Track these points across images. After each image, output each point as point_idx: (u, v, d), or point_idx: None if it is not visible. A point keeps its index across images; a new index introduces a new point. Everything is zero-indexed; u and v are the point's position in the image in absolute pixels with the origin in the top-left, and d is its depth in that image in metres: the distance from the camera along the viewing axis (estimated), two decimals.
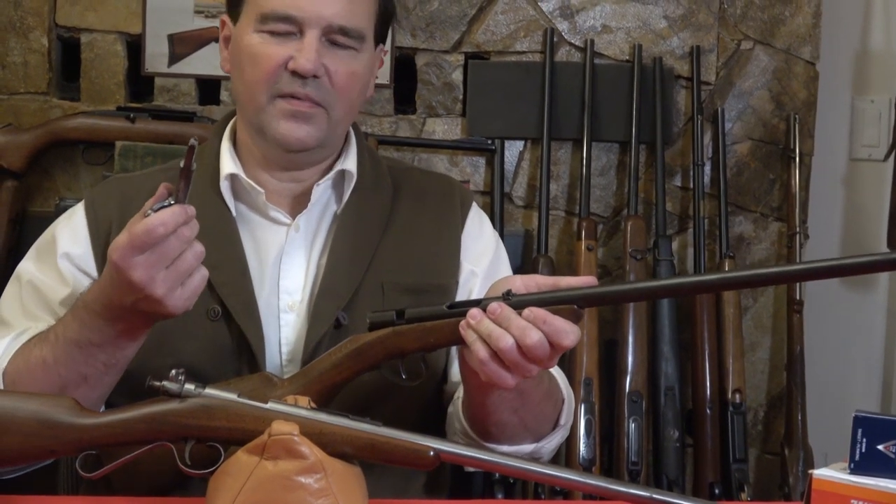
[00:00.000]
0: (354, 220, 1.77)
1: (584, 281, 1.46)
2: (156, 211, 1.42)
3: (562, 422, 1.70)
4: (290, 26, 1.69)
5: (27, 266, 1.78)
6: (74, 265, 1.75)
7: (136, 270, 1.43)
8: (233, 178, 1.77)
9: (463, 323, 1.43)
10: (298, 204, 1.78)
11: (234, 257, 1.72)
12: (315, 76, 1.69)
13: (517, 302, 1.42)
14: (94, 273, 1.74)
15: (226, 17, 1.81)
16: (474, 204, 1.90)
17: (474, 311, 1.43)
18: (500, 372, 1.42)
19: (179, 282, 1.46)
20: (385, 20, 1.82)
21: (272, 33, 1.70)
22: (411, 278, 1.74)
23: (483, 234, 1.87)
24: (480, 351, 1.41)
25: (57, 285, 1.73)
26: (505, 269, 1.88)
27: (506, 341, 1.39)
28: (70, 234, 1.78)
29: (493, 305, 1.42)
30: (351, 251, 1.74)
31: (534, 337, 1.39)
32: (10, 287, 1.79)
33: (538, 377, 1.54)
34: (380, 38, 1.82)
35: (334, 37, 1.71)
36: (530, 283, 1.47)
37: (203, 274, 1.48)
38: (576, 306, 1.42)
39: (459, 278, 1.79)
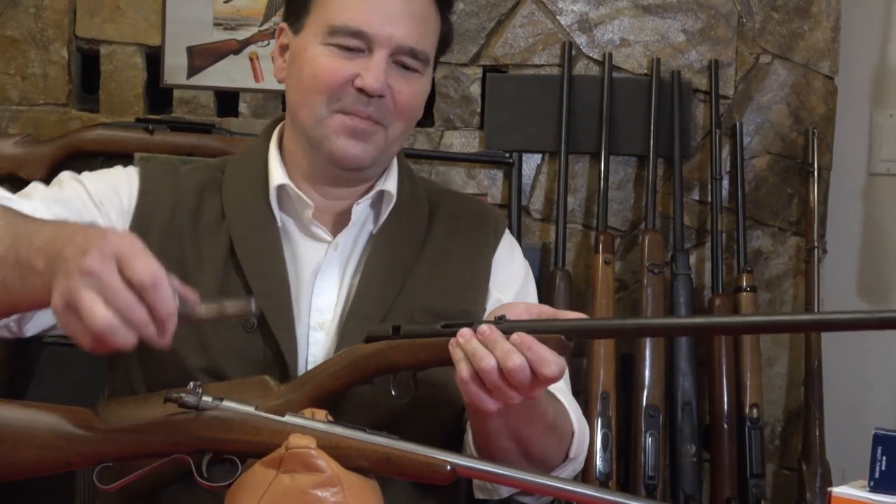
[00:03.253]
0: (389, 242, 1.75)
1: (579, 315, 1.47)
2: (176, 296, 1.32)
3: (571, 455, 1.68)
4: (359, 42, 1.67)
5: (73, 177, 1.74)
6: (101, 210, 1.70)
7: (97, 256, 1.27)
8: (280, 188, 1.74)
9: (452, 341, 1.44)
10: (337, 222, 1.77)
11: (276, 270, 1.70)
12: (380, 96, 1.67)
13: (508, 327, 1.43)
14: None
15: (284, 25, 1.79)
16: (507, 231, 1.89)
17: (464, 331, 1.43)
18: (480, 394, 1.42)
19: (103, 298, 1.27)
20: (443, 47, 1.81)
21: (340, 47, 1.68)
22: (440, 304, 1.72)
23: (513, 262, 1.86)
24: (463, 370, 1.42)
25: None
26: (532, 299, 1.86)
27: (487, 362, 1.39)
28: (113, 193, 1.72)
29: (483, 327, 1.42)
30: (383, 274, 1.73)
31: (516, 361, 1.39)
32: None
33: (541, 408, 1.55)
34: (435, 63, 1.82)
35: (402, 58, 1.70)
36: (533, 311, 1.49)
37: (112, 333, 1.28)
38: (563, 337, 1.42)
39: (487, 305, 1.77)
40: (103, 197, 1.71)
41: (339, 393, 1.54)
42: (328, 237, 1.75)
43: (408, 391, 1.53)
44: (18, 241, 1.40)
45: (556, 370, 1.40)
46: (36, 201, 1.63)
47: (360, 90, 1.67)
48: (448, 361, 1.45)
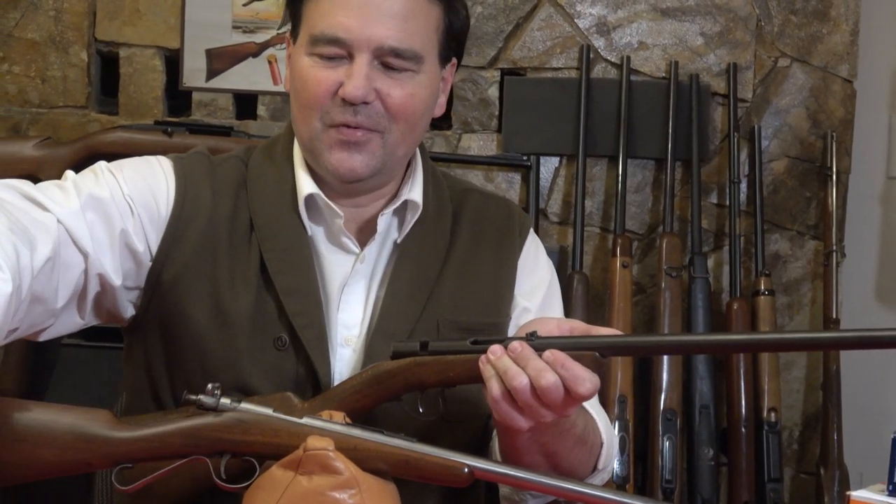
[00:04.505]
0: (415, 252, 1.69)
1: (614, 332, 1.44)
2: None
3: (600, 466, 1.64)
4: (339, 49, 1.61)
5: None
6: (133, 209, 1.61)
7: None
8: (308, 198, 1.67)
9: (482, 358, 1.40)
10: (363, 232, 1.71)
11: (310, 286, 1.64)
12: (365, 102, 1.60)
13: (540, 344, 1.39)
14: (153, 241, 1.61)
15: (289, 35, 1.73)
16: (531, 233, 1.83)
17: (495, 348, 1.40)
18: (512, 413, 1.39)
19: None
20: (453, 35, 1.71)
21: (322, 56, 1.61)
22: (466, 316, 1.68)
23: (538, 266, 1.80)
24: (494, 388, 1.38)
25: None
26: (556, 304, 1.81)
27: (520, 380, 1.36)
28: (148, 193, 1.63)
29: (515, 344, 1.39)
30: (409, 287, 1.67)
31: (549, 379, 1.35)
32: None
33: (570, 422, 1.51)
34: (450, 54, 1.72)
35: (387, 59, 1.62)
36: (564, 327, 1.45)
37: None
38: (598, 354, 1.39)
39: (512, 313, 1.72)
40: (137, 200, 1.61)
41: (365, 411, 1.50)
42: (356, 248, 1.68)
43: (435, 408, 1.49)
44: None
45: (590, 388, 1.37)
46: (72, 206, 1.54)
47: (344, 99, 1.60)
48: (478, 379, 1.42)
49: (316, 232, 1.69)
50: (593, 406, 1.66)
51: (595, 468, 1.64)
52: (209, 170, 1.71)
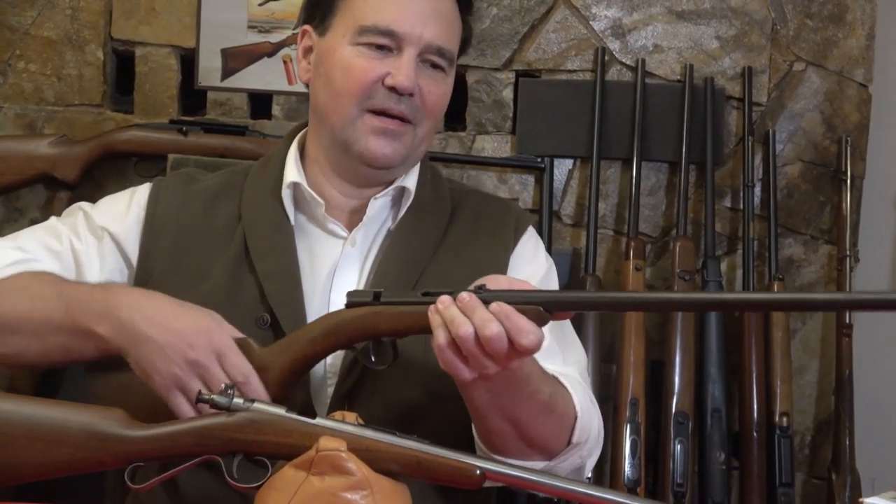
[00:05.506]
0: (406, 238, 1.77)
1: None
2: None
3: (574, 439, 1.64)
4: (389, 41, 1.70)
5: (82, 213, 1.84)
6: (113, 241, 1.80)
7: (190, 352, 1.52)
8: (295, 187, 1.78)
9: (431, 307, 1.44)
10: (355, 217, 1.79)
11: (288, 268, 1.73)
12: (410, 94, 1.70)
13: (487, 296, 1.43)
14: (131, 254, 1.78)
15: (308, 28, 1.81)
16: (530, 228, 1.89)
17: (444, 298, 1.44)
18: (456, 362, 1.42)
19: (181, 387, 1.53)
20: (464, 47, 1.85)
21: (370, 46, 1.71)
22: None
23: (536, 259, 1.86)
24: (440, 336, 1.42)
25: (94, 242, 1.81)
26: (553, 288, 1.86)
27: (465, 329, 1.39)
28: (123, 212, 1.82)
29: (463, 294, 1.43)
30: (397, 270, 1.74)
31: (493, 329, 1.38)
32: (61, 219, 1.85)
33: (532, 386, 1.53)
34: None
35: (430, 57, 1.73)
36: (515, 285, 1.49)
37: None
38: (542, 308, 1.42)
39: None
40: (112, 228, 1.81)
41: (319, 358, 1.57)
42: (344, 233, 1.77)
43: (387, 357, 1.54)
44: (72, 308, 1.58)
45: (533, 340, 1.40)
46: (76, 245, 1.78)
47: (392, 89, 1.70)
48: (427, 329, 1.46)
49: (301, 218, 1.79)
50: (570, 382, 1.67)
51: (569, 442, 1.64)
52: (185, 183, 1.86)
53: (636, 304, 1.64)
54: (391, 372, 1.57)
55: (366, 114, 1.71)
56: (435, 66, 1.74)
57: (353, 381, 1.66)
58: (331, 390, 1.67)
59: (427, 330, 1.46)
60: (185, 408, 1.51)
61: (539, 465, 1.60)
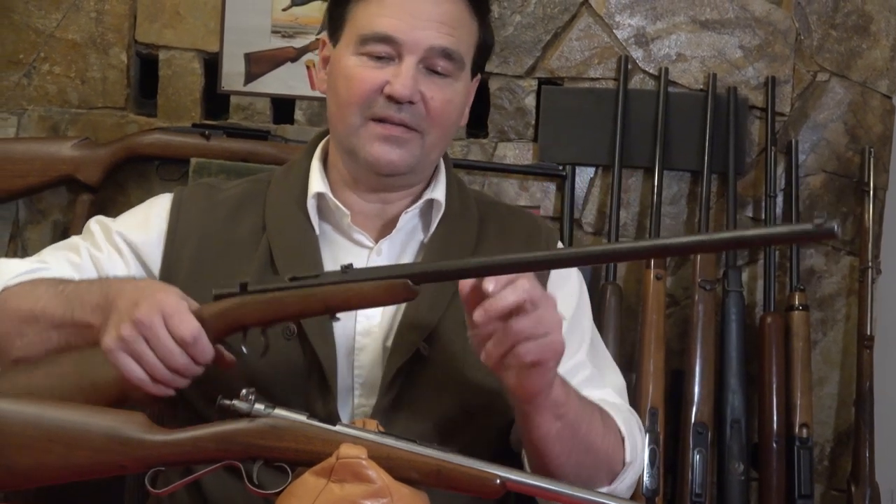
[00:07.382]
0: (442, 250, 1.76)
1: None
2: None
3: (627, 459, 1.67)
4: (389, 49, 1.70)
5: (101, 226, 1.85)
6: (134, 252, 1.81)
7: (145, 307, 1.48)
8: (319, 197, 1.78)
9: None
10: (384, 229, 1.79)
11: None
12: (411, 102, 1.69)
13: (352, 275, 1.47)
14: (153, 265, 1.79)
15: (325, 37, 1.82)
16: (560, 244, 1.89)
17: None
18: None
19: (127, 348, 1.48)
20: (483, 52, 1.83)
21: (371, 56, 1.70)
22: None
23: (569, 280, 1.84)
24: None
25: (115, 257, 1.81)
26: (586, 313, 1.86)
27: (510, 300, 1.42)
28: (143, 222, 1.83)
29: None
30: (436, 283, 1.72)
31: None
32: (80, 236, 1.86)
33: (577, 414, 1.54)
34: (477, 69, 1.83)
35: (434, 62, 1.71)
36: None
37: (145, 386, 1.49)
38: (410, 282, 1.45)
39: None
40: (135, 241, 1.82)
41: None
42: (370, 243, 1.77)
43: (258, 348, 1.54)
44: (72, 306, 1.59)
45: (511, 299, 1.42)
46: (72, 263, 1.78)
47: (390, 97, 1.69)
48: (295, 315, 1.51)
49: (326, 228, 1.79)
50: (612, 405, 1.70)
51: (624, 462, 1.67)
52: (207, 193, 1.86)
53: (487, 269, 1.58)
54: (428, 388, 1.57)
55: (369, 122, 1.71)
56: (439, 71, 1.72)
57: (392, 397, 1.66)
58: (357, 401, 1.67)
59: (294, 316, 1.52)
60: (131, 367, 1.47)
61: (603, 490, 1.62)
